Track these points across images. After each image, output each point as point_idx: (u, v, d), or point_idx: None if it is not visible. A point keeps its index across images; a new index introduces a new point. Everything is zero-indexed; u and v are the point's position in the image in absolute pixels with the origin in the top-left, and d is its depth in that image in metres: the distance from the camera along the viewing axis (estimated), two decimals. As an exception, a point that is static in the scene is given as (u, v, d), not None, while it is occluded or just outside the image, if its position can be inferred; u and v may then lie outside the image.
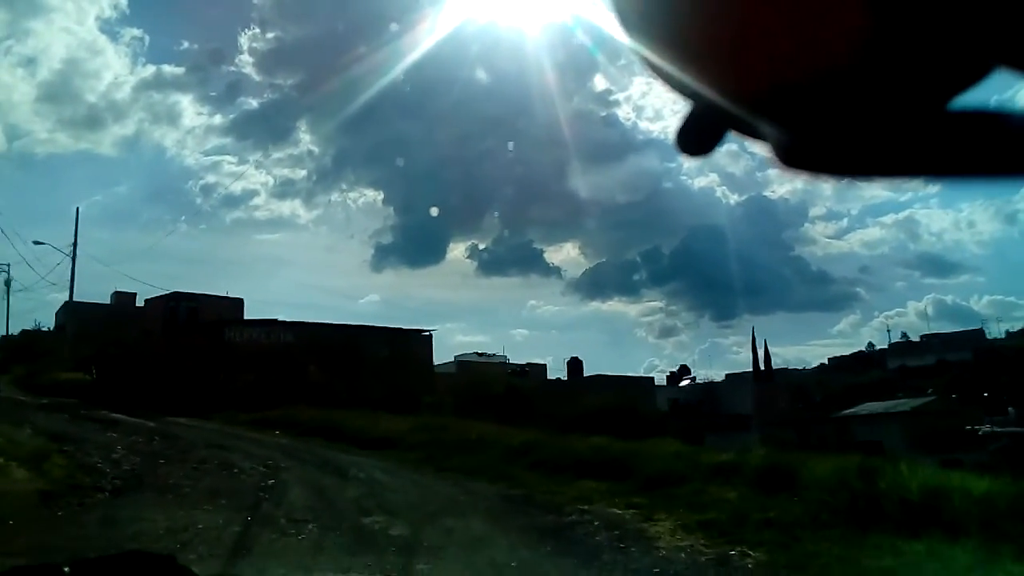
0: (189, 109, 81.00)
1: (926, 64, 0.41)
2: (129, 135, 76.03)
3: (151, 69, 78.63)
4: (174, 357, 28.05)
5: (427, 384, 33.43)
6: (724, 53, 0.44)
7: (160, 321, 31.00)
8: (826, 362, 74.00)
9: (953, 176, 0.45)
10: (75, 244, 33.86)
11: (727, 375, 57.05)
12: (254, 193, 78.89)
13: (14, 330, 42.22)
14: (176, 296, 32.45)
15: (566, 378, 46.73)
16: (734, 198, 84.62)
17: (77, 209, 36.46)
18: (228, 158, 76.89)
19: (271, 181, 74.35)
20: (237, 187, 76.15)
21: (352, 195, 66.48)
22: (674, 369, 59.91)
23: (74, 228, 34.58)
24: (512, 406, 32.81)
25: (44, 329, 42.01)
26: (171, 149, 76.59)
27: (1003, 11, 0.36)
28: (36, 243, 34.95)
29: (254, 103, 73.01)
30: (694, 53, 0.46)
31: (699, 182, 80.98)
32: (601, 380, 40.22)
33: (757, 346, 57.34)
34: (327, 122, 65.05)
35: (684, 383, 54.99)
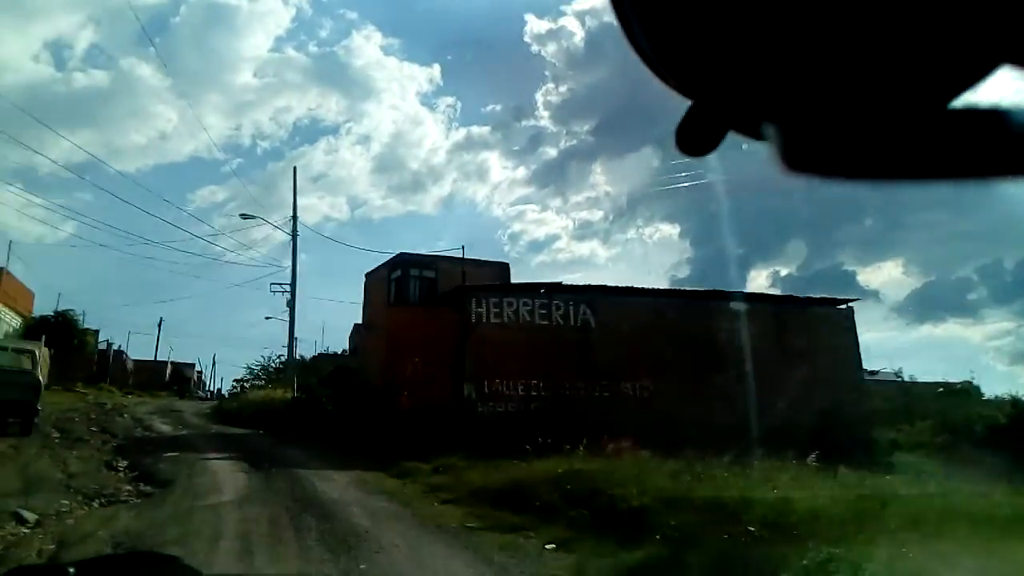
0: (495, 165, 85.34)
1: (928, 64, 0.40)
2: (445, 194, 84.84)
3: (462, 132, 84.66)
4: (401, 357, 15.94)
5: (858, 403, 17.02)
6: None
7: (382, 304, 18.54)
8: None
9: (955, 177, 0.43)
10: (295, 217, 25.47)
11: None
12: (556, 237, 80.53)
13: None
14: (403, 260, 18.54)
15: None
16: (1104, 189, 55.33)
17: (295, 169, 28.77)
18: (532, 206, 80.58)
19: (571, 224, 73.58)
20: (541, 233, 79.82)
21: (648, 231, 60.16)
22: None
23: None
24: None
25: (332, 352, 36.85)
26: (481, 203, 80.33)
27: (1005, 9, 0.36)
28: (243, 216, 27.87)
29: (552, 152, 76.17)
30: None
31: (1051, 178, 54.74)
32: None
33: None
34: (620, 162, 63.52)
35: None
